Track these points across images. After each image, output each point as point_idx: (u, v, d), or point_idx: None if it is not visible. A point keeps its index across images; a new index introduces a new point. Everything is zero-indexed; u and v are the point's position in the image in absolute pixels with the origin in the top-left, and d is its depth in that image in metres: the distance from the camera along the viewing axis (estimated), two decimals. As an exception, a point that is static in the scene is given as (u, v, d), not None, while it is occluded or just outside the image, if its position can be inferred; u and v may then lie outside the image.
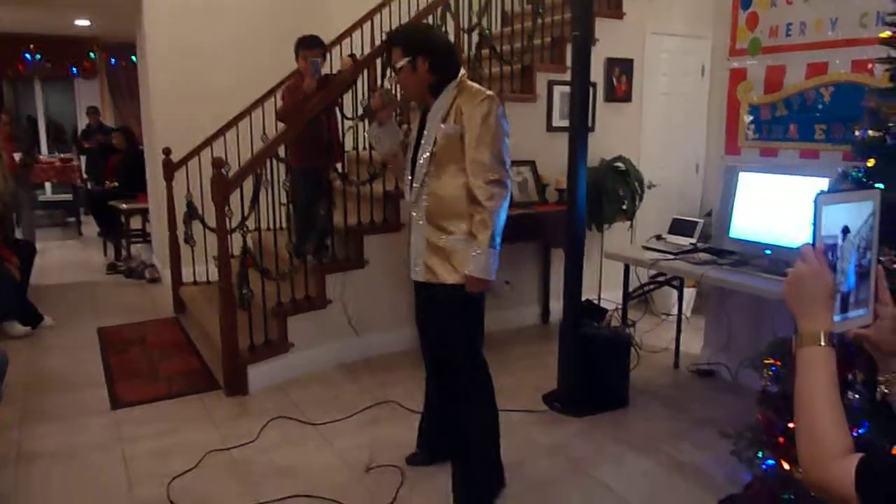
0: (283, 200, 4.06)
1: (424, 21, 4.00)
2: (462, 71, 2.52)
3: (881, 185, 2.18)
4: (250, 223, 3.63)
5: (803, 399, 1.09)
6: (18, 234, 6.88)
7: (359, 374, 3.90)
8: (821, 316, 1.13)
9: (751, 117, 3.63)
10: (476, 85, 2.52)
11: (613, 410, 3.43)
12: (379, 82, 4.07)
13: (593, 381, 3.42)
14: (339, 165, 4.10)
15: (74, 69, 9.56)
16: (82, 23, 8.16)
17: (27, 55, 9.17)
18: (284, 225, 4.19)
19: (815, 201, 1.18)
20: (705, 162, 5.36)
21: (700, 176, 5.44)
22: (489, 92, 2.46)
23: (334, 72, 4.31)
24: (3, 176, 5.48)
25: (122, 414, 3.47)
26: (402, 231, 4.07)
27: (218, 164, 3.55)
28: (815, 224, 1.18)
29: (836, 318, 1.19)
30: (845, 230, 1.25)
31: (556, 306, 4.39)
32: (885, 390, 1.25)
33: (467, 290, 2.45)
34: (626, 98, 4.95)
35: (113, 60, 9.52)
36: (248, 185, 3.62)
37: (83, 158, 9.06)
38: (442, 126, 2.44)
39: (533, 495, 2.68)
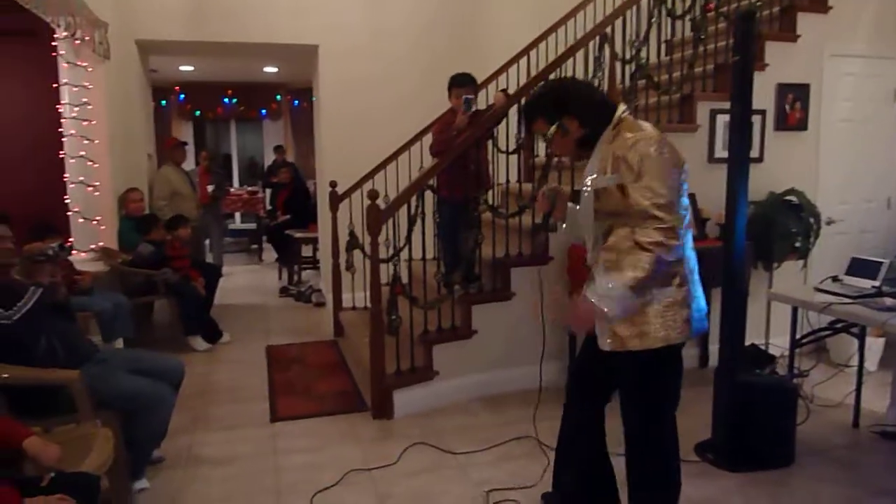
0: (435, 231, 4.19)
1: (553, 74, 3.92)
2: (621, 107, 2.26)
3: None
4: (403, 253, 3.77)
5: None
6: (209, 259, 7.72)
7: (500, 407, 3.87)
8: None
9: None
10: (634, 124, 2.23)
11: (775, 469, 3.10)
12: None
13: (752, 434, 3.12)
14: (488, 197, 4.15)
15: (263, 111, 10.61)
16: (270, 69, 9.06)
17: (225, 100, 10.33)
18: (436, 255, 4.31)
19: None
20: (898, 196, 4.79)
21: (892, 212, 4.85)
22: (646, 130, 2.17)
23: (487, 106, 4.40)
24: (195, 206, 6.17)
25: (279, 427, 3.71)
26: (551, 264, 4.03)
27: (372, 195, 3.74)
28: None
29: None
30: None
31: (716, 350, 4.08)
32: None
33: (566, 314, 2.24)
34: (801, 126, 4.56)
35: (296, 103, 10.44)
36: (404, 216, 3.77)
37: (268, 192, 9.98)
38: (595, 179, 2.22)
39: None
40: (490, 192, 4.21)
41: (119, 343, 4.52)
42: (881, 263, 3.28)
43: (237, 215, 10.75)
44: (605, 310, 2.11)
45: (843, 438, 3.48)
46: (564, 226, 2.49)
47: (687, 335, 2.20)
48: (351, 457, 3.31)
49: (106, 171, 4.96)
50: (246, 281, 8.18)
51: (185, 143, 6.92)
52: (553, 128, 2.24)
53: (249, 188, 10.27)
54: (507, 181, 4.25)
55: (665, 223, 2.07)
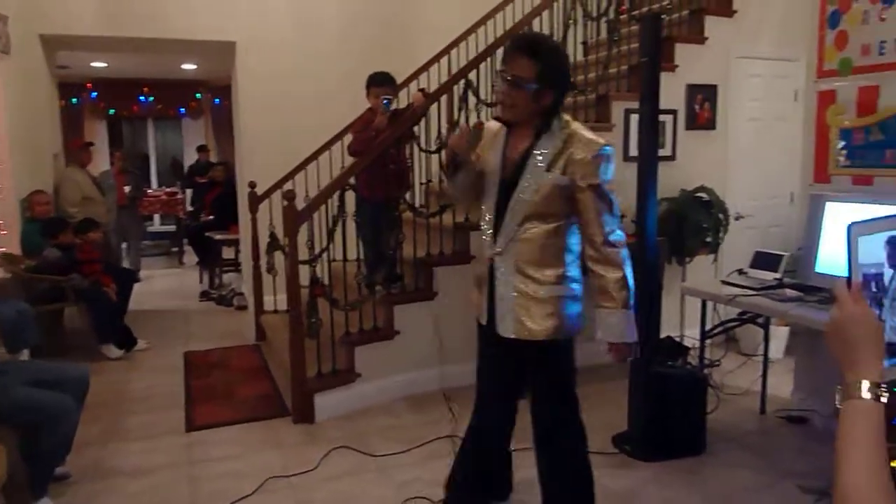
0: (356, 232, 4.14)
1: (473, 73, 3.96)
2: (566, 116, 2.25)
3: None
4: (324, 254, 3.71)
5: (840, 461, 0.96)
6: (126, 263, 7.41)
7: (423, 407, 3.85)
8: (863, 364, 1.00)
9: (842, 142, 3.37)
10: (588, 133, 2.20)
11: (689, 456, 3.21)
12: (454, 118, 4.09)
13: (666, 424, 3.22)
14: (409, 196, 4.13)
15: (182, 110, 10.26)
16: (189, 66, 8.76)
17: (141, 97, 9.93)
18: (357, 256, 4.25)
19: (848, 231, 1.05)
20: (801, 191, 5.03)
21: (795, 206, 5.10)
22: (602, 141, 2.17)
23: (406, 105, 4.37)
24: (107, 209, 5.91)
25: (196, 436, 3.59)
26: (473, 264, 4.04)
27: (289, 196, 3.66)
28: (849, 257, 1.06)
29: (887, 363, 1.05)
30: (892, 255, 1.11)
31: (633, 342, 4.20)
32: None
33: (612, 358, 2.31)
34: (710, 125, 4.74)
35: (217, 101, 10.14)
36: (324, 217, 3.71)
37: (189, 192, 9.66)
38: (548, 175, 2.16)
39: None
40: (410, 192, 4.19)
41: (25, 354, 4.27)
42: (782, 256, 3.43)
43: (156, 217, 10.36)
44: (629, 339, 2.26)
45: (751, 424, 3.64)
46: (459, 176, 2.31)
47: (581, 327, 2.33)
48: (270, 464, 3.23)
49: (6, 172, 4.69)
50: (165, 285, 7.89)
51: (90, 144, 6.60)
52: (534, 85, 2.10)
53: (168, 189, 9.91)
54: (429, 180, 4.25)
55: (620, 228, 2.22)
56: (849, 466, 0.93)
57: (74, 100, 9.52)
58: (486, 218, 2.33)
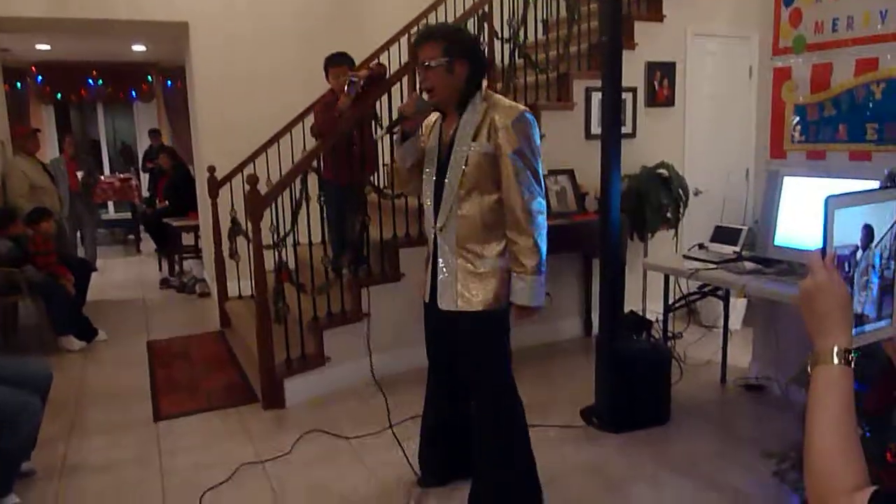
0: (321, 216, 4.10)
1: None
2: (484, 82, 2.41)
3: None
4: (289, 238, 3.67)
5: (810, 425, 1.00)
6: (81, 253, 7.20)
7: (394, 388, 3.85)
8: (834, 332, 1.04)
9: (797, 118, 3.46)
10: (506, 99, 2.38)
11: (653, 427, 3.30)
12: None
13: (632, 397, 3.30)
14: (373, 179, 4.11)
15: (134, 93, 9.95)
16: (139, 48, 8.50)
17: (90, 81, 9.59)
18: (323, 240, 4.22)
19: (826, 204, 1.09)
20: (755, 167, 5.16)
21: (750, 182, 5.23)
22: (522, 107, 2.32)
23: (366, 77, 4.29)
24: (59, 198, 5.72)
25: (163, 426, 3.54)
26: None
27: (252, 180, 3.60)
28: (825, 229, 1.09)
29: (854, 331, 1.09)
30: (865, 238, 1.15)
31: (598, 318, 4.27)
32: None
33: (514, 320, 2.37)
34: (669, 102, 4.82)
35: (169, 83, 9.86)
36: (288, 201, 3.66)
37: (145, 178, 9.41)
38: (474, 144, 2.27)
39: (564, 515, 2.59)
40: (375, 174, 4.17)
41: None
42: (741, 230, 3.52)
43: (110, 205, 10.08)
44: (536, 305, 2.31)
45: (712, 394, 3.75)
46: (405, 144, 2.41)
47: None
48: (242, 451, 3.22)
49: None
50: (123, 274, 7.71)
51: (37, 131, 6.35)
52: (444, 60, 2.24)
53: (122, 175, 9.64)
54: (392, 162, 4.22)
55: (536, 197, 2.27)
56: (820, 429, 0.98)
57: (19, 84, 9.15)
58: (427, 196, 2.44)
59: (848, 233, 1.15)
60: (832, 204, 1.11)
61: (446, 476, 2.82)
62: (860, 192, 1.18)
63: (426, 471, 2.84)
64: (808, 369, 1.06)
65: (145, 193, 9.18)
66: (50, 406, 2.99)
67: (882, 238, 1.19)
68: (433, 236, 2.44)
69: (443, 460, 2.82)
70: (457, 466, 2.80)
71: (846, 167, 3.20)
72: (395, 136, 2.50)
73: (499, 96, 2.38)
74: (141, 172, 9.52)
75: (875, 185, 2.40)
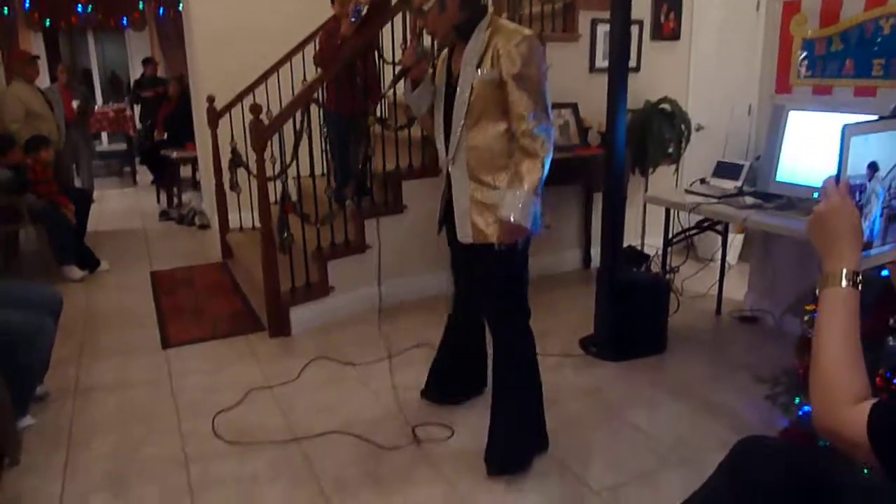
0: (324, 146, 4.10)
1: None
2: (490, 8, 2.38)
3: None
4: (291, 170, 3.68)
5: (818, 341, 1.06)
6: (78, 183, 7.17)
7: (397, 317, 3.95)
8: (844, 255, 1.09)
9: (804, 53, 3.44)
10: (511, 24, 2.35)
11: (651, 356, 3.41)
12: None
13: (630, 326, 3.39)
14: (377, 109, 4.08)
15: (125, 20, 9.70)
16: (130, -28, 8.25)
17: (79, 7, 9.33)
18: (325, 171, 4.23)
19: (843, 132, 1.13)
20: (759, 102, 5.13)
21: (753, 117, 5.21)
22: (527, 31, 2.27)
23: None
24: (57, 126, 5.66)
25: (172, 352, 3.62)
26: (440, 177, 4.06)
27: (256, 110, 3.58)
28: (840, 156, 1.13)
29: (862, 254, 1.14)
30: (873, 168, 1.19)
31: (598, 251, 4.32)
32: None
33: (502, 237, 2.30)
34: (675, 36, 4.76)
35: (161, 10, 9.60)
36: (290, 131, 3.65)
37: (137, 109, 9.28)
38: (478, 72, 2.24)
39: (563, 434, 2.70)
40: (378, 105, 4.14)
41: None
42: (742, 165, 3.55)
43: (104, 135, 9.96)
44: (526, 224, 2.25)
45: (708, 325, 3.86)
46: (415, 92, 2.46)
47: (535, 229, 2.33)
48: (250, 376, 3.31)
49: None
50: (121, 205, 7.70)
51: (36, 57, 6.22)
52: (433, 1, 2.25)
53: (116, 105, 9.48)
54: (395, 93, 4.19)
55: (544, 123, 2.23)
56: (827, 344, 1.04)
57: (6, 10, 8.90)
58: (440, 130, 2.43)
59: (859, 164, 1.19)
60: (849, 131, 1.15)
61: (444, 397, 2.96)
62: (875, 120, 1.21)
63: (429, 385, 3.00)
64: (817, 291, 1.12)
65: (138, 125, 9.08)
66: (59, 331, 3.05)
67: (890, 170, 1.23)
68: (446, 170, 2.44)
69: (445, 383, 2.96)
70: (458, 390, 2.94)
71: (851, 102, 3.20)
72: (405, 86, 2.48)
73: (505, 21, 2.34)
74: (133, 103, 9.38)
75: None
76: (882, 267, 1.34)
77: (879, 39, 3.12)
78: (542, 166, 2.24)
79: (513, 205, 2.23)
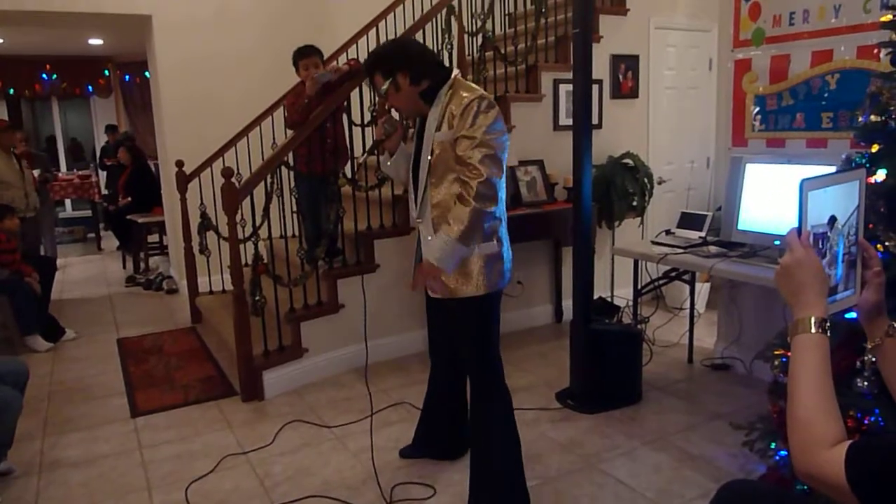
0: (295, 208, 4.12)
1: (405, 35, 4.04)
2: (455, 71, 2.47)
3: (884, 170, 2.18)
4: (262, 231, 3.69)
5: (793, 387, 1.10)
6: (42, 251, 7.02)
7: (372, 377, 3.92)
8: (811, 302, 1.14)
9: (757, 108, 3.62)
10: (469, 84, 2.41)
11: (627, 406, 3.42)
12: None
13: (605, 378, 3.42)
14: (347, 170, 4.14)
15: (90, 87, 9.73)
16: (95, 42, 8.31)
17: (44, 75, 9.35)
18: (297, 232, 4.24)
19: (801, 187, 1.19)
20: (715, 155, 5.34)
21: (712, 170, 5.41)
22: (478, 91, 2.34)
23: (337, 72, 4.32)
24: (25, 193, 5.59)
25: (141, 421, 3.52)
26: (413, 234, 4.10)
27: (227, 173, 3.60)
28: (800, 210, 1.19)
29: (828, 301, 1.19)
30: (832, 219, 1.25)
31: (569, 305, 4.37)
32: (872, 358, 1.26)
33: (417, 274, 2.43)
34: (633, 94, 4.95)
35: (127, 77, 9.67)
36: (260, 194, 3.67)
37: (103, 175, 9.22)
38: (437, 134, 2.36)
39: (546, 490, 2.68)
40: (348, 166, 4.19)
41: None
42: (706, 216, 3.67)
43: (67, 202, 9.85)
44: (443, 268, 2.33)
45: (680, 373, 3.90)
46: (390, 162, 2.61)
47: (502, 284, 2.46)
48: (224, 443, 3.23)
49: None
50: (86, 272, 7.57)
51: (11, 126, 6.17)
52: (387, 83, 2.39)
53: (80, 172, 9.42)
54: (364, 154, 4.25)
55: (484, 176, 2.26)
56: (802, 389, 1.08)
57: (-31, 79, 8.89)
58: (411, 190, 2.54)
59: (819, 214, 1.25)
60: (806, 186, 1.22)
61: (424, 452, 2.96)
62: (828, 174, 1.29)
63: (418, 437, 3.01)
64: (788, 339, 1.16)
65: (104, 191, 9.00)
66: (23, 404, 2.96)
67: (848, 219, 1.30)
68: (418, 227, 2.53)
69: (427, 437, 2.97)
70: (441, 447, 2.93)
71: (804, 154, 3.36)
72: (382, 157, 2.63)
73: (464, 83, 2.41)
74: (99, 170, 9.33)
75: (832, 169, 2.55)
76: (847, 310, 1.40)
77: (827, 94, 3.31)
78: (475, 214, 2.25)
79: (435, 247, 2.31)
